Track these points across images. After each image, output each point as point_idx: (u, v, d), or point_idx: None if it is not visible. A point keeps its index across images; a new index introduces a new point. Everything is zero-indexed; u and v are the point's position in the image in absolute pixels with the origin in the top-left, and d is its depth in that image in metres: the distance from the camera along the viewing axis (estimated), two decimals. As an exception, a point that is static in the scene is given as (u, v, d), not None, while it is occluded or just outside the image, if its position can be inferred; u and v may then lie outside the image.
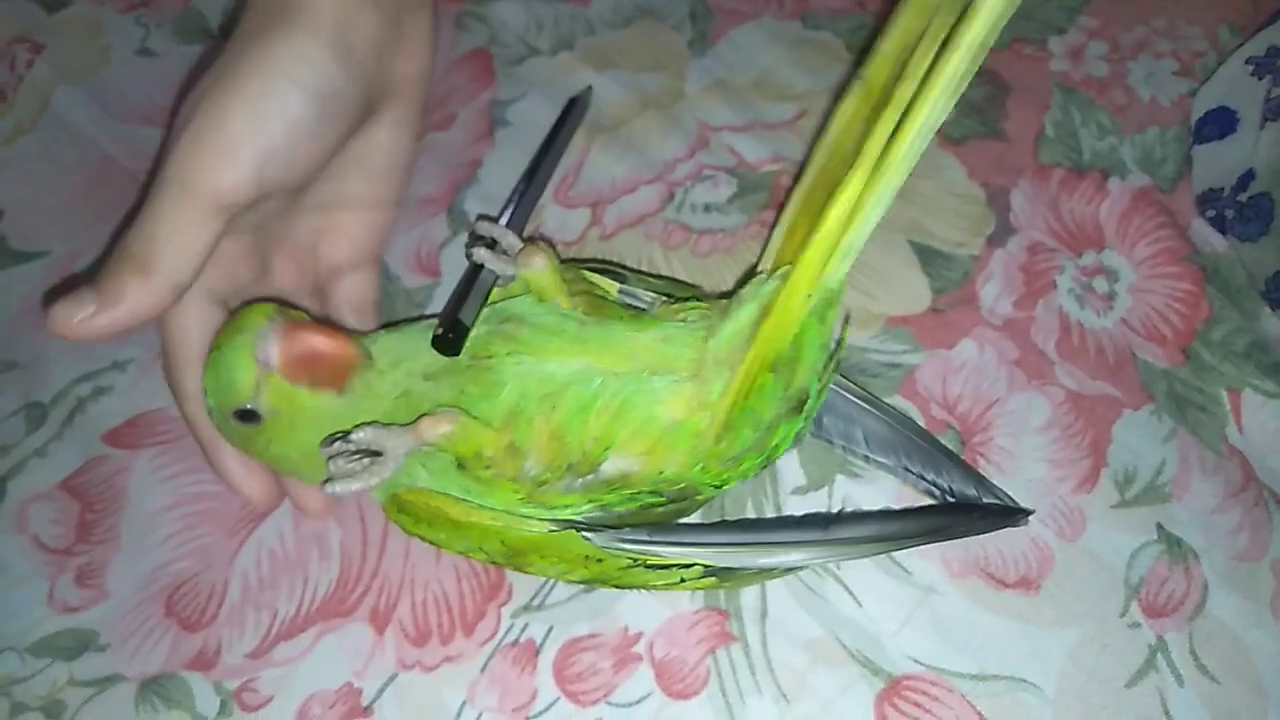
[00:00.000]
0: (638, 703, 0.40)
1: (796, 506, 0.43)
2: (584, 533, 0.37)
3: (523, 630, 0.41)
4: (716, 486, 0.39)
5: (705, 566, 0.38)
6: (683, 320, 0.39)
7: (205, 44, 0.59)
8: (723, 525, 0.42)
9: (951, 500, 0.42)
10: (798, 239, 0.39)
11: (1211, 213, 0.49)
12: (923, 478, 0.42)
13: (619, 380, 0.36)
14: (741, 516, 0.43)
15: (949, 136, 0.52)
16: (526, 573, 0.40)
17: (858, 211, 0.35)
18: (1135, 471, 0.43)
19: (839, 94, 0.41)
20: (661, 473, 0.37)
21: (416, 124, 0.45)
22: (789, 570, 0.41)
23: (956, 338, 0.46)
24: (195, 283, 0.36)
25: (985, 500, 0.41)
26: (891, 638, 0.40)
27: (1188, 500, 0.43)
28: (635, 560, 0.37)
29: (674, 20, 0.57)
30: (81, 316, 0.34)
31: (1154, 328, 0.47)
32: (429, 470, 0.38)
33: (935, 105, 0.33)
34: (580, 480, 0.37)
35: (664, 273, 0.49)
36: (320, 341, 0.36)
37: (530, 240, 0.40)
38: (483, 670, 0.41)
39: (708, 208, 0.51)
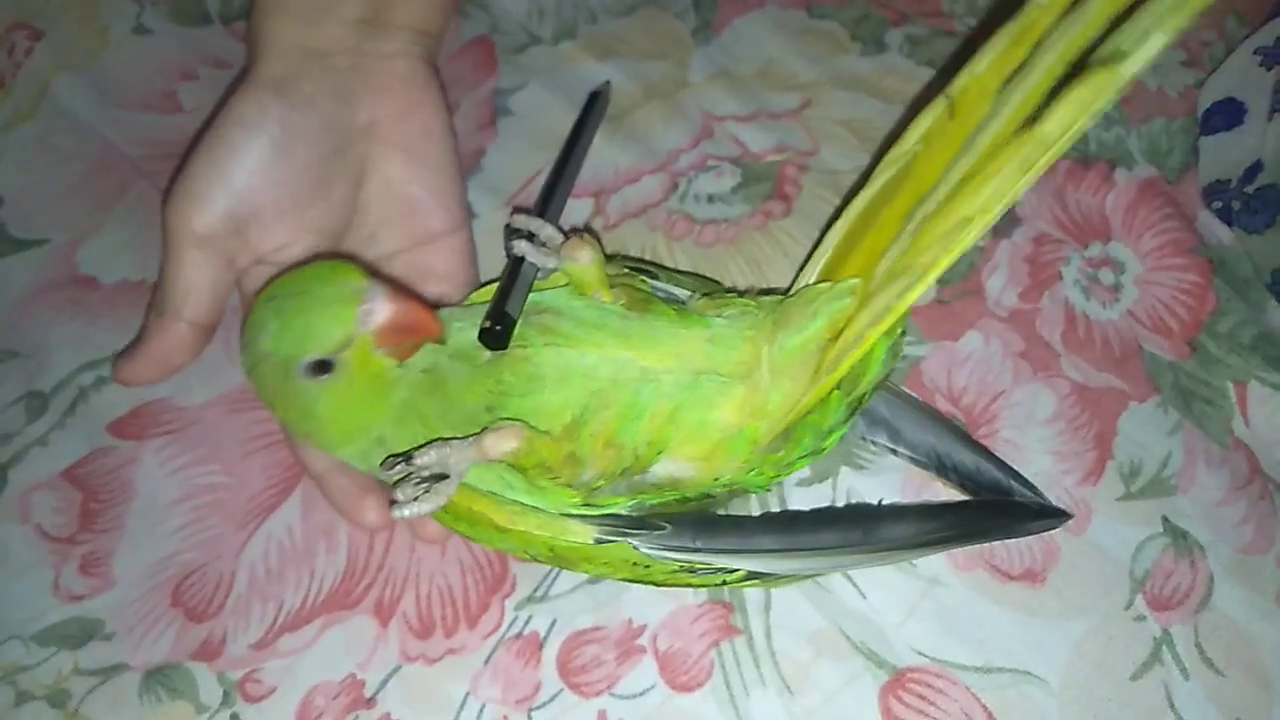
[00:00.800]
0: (641, 695, 0.40)
1: (801, 499, 0.42)
2: (634, 543, 0.36)
3: (526, 623, 0.41)
4: (763, 487, 0.39)
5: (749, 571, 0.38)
6: (723, 316, 0.38)
7: (201, 25, 0.59)
8: (764, 522, 0.41)
9: (978, 496, 0.41)
10: (866, 251, 0.38)
11: (1218, 204, 0.49)
12: (950, 468, 0.42)
13: (671, 381, 0.36)
14: (771, 511, 0.42)
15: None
16: (571, 571, 0.40)
17: (950, 251, 0.34)
18: (1141, 464, 0.43)
19: (917, 106, 0.39)
20: (716, 479, 0.37)
21: (439, 119, 0.45)
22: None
23: (962, 329, 0.46)
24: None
25: (1019, 496, 0.41)
26: (896, 630, 0.40)
27: (1193, 493, 0.43)
28: (683, 566, 0.37)
29: (677, 8, 0.57)
30: (128, 365, 0.41)
31: (1160, 320, 0.47)
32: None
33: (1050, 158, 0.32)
34: (627, 482, 0.37)
35: (666, 264, 0.48)
36: (422, 313, 0.36)
37: (575, 232, 0.40)
38: (486, 662, 0.41)
39: (711, 198, 0.50)
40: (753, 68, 0.54)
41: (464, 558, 0.43)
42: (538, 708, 0.40)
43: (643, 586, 0.40)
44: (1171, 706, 0.39)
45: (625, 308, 0.38)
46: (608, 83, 0.53)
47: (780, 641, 0.40)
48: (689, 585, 0.39)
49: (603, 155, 0.52)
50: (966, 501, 0.42)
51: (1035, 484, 0.42)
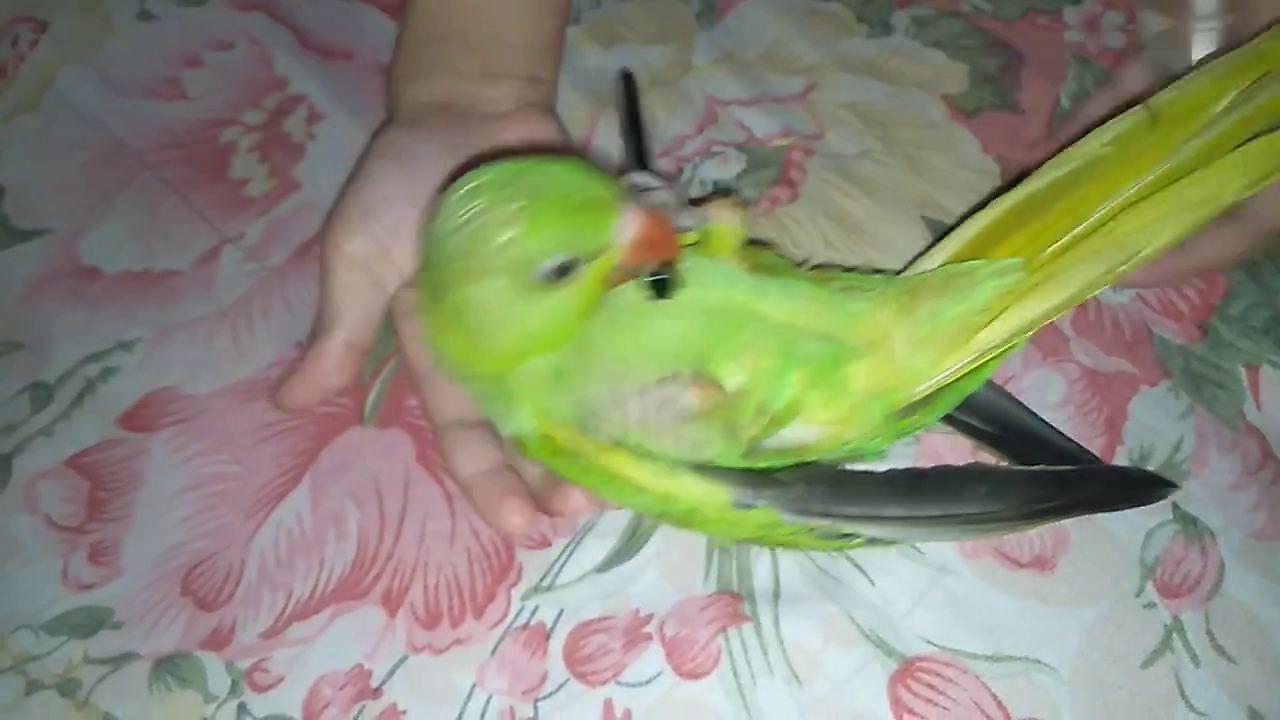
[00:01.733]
0: (648, 683, 0.40)
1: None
2: (778, 511, 0.36)
3: (533, 613, 0.41)
4: (880, 452, 0.39)
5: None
6: (838, 289, 0.39)
7: (202, 5, 0.59)
8: (889, 485, 0.39)
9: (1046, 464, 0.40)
10: (1027, 237, 0.38)
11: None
12: (1020, 435, 0.41)
13: (811, 345, 0.36)
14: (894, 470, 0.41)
15: (962, 109, 0.52)
16: (691, 531, 0.40)
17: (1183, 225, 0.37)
18: (1151, 449, 0.43)
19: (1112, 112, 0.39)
20: (845, 443, 0.37)
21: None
22: None
23: (971, 314, 0.46)
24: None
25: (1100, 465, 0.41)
26: (904, 618, 0.40)
27: (1204, 478, 0.42)
28: (812, 529, 0.37)
29: (682, -9, 0.56)
30: (286, 389, 0.43)
31: (1170, 303, 0.46)
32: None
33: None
34: (750, 449, 0.36)
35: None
36: (671, 232, 0.34)
37: (725, 192, 0.39)
38: (493, 653, 0.40)
39: (717, 184, 0.50)
40: (757, 51, 0.54)
41: (472, 547, 0.43)
42: (544, 698, 0.40)
43: (644, 576, 0.40)
44: (1182, 694, 0.38)
45: (751, 271, 0.38)
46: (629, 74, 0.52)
47: (788, 629, 0.40)
48: (811, 548, 0.39)
49: (607, 142, 0.52)
50: (1074, 470, 0.40)
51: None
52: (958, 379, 0.38)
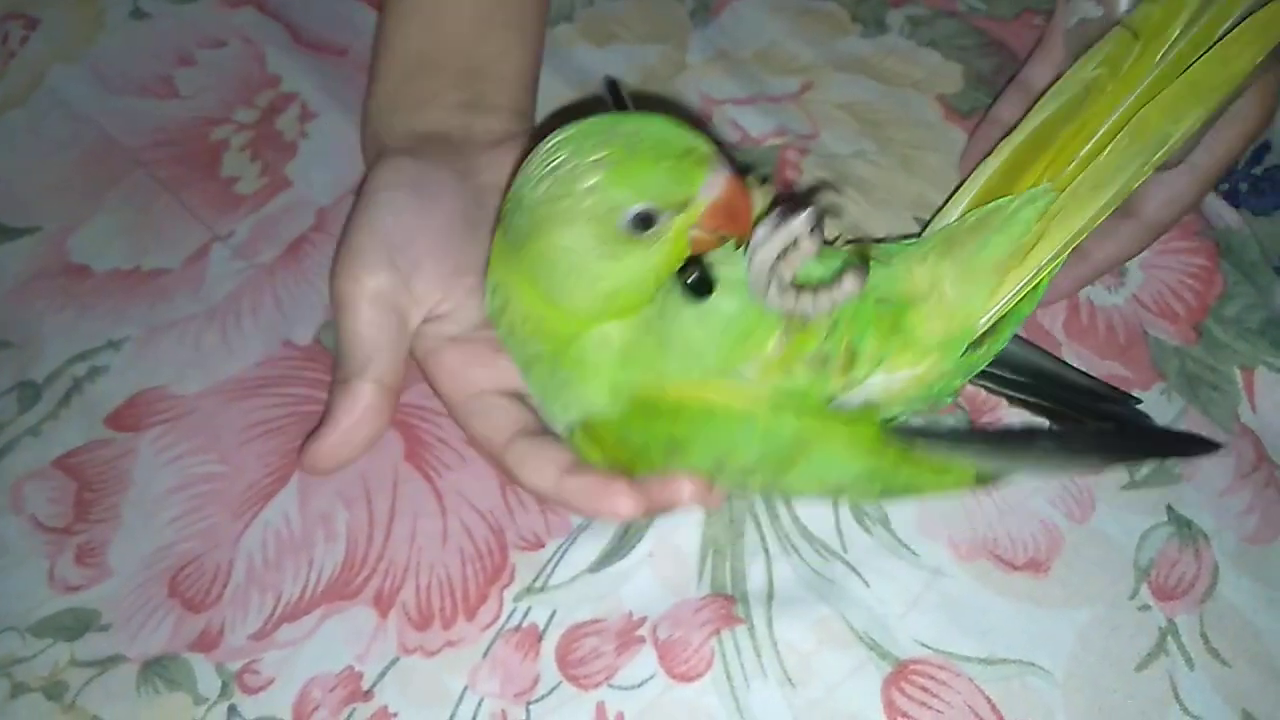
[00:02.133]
0: (640, 685, 0.39)
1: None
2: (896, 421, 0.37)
3: (525, 614, 0.41)
4: (954, 393, 0.39)
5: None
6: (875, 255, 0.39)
7: (194, 2, 0.58)
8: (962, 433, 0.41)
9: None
10: (1044, 167, 0.38)
11: (1224, 186, 0.48)
12: (1062, 387, 0.42)
13: (865, 305, 0.36)
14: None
15: (957, 109, 0.52)
16: (782, 490, 0.40)
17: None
18: (1145, 452, 0.43)
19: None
20: (929, 387, 0.38)
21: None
22: None
23: (964, 316, 0.45)
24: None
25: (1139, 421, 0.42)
26: (899, 621, 0.40)
27: (1198, 481, 0.42)
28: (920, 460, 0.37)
29: (676, -11, 0.56)
30: (317, 446, 0.39)
31: (1166, 304, 0.46)
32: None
33: None
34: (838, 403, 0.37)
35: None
36: (749, 206, 0.34)
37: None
38: (485, 655, 0.40)
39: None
40: (752, 50, 0.54)
41: (464, 547, 0.42)
42: (536, 701, 0.39)
43: (637, 576, 0.40)
44: (1177, 697, 0.38)
45: None
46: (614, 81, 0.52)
47: (782, 631, 0.40)
48: (916, 488, 0.39)
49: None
50: (1122, 426, 0.42)
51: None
52: (1018, 302, 0.38)
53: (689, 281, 0.34)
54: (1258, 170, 0.47)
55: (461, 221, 0.41)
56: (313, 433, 0.40)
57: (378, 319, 0.39)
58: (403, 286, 0.40)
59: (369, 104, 0.47)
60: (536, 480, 0.38)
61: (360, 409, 0.39)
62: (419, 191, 0.41)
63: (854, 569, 0.41)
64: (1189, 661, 0.39)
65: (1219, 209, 0.48)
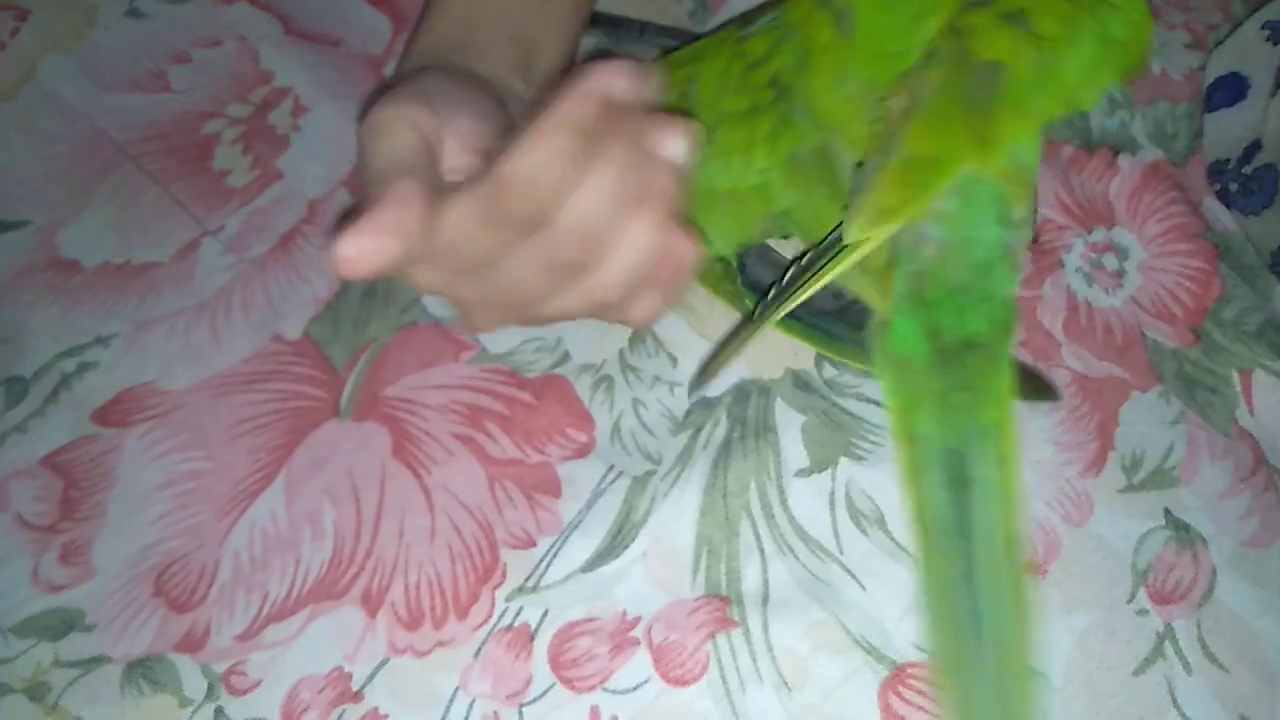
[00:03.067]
0: (635, 689, 0.39)
1: (800, 489, 0.42)
2: None
3: (517, 614, 0.40)
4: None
5: None
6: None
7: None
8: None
9: None
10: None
11: (1217, 186, 0.48)
12: None
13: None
14: None
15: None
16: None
17: None
18: (1143, 455, 0.43)
19: None
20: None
21: None
22: None
23: (962, 317, 0.45)
24: None
25: None
26: (896, 624, 0.39)
27: (1196, 484, 0.42)
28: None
29: (674, -13, 0.56)
30: (355, 239, 0.30)
31: (1164, 306, 0.46)
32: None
33: None
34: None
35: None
36: None
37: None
38: (476, 655, 0.40)
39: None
40: (750, 49, 0.53)
41: (453, 545, 0.42)
42: (529, 703, 0.39)
43: (630, 575, 0.40)
44: (1174, 702, 0.38)
45: None
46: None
47: (778, 635, 0.39)
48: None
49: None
50: None
51: (1035, 474, 0.41)
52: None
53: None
54: (1248, 169, 0.47)
55: (497, 124, 0.39)
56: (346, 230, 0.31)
57: (415, 144, 0.35)
58: (440, 128, 0.36)
59: (415, 48, 0.44)
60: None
61: (401, 200, 0.31)
62: (462, 85, 0.39)
63: (850, 572, 0.40)
64: (1187, 666, 0.39)
65: (1218, 211, 0.48)
